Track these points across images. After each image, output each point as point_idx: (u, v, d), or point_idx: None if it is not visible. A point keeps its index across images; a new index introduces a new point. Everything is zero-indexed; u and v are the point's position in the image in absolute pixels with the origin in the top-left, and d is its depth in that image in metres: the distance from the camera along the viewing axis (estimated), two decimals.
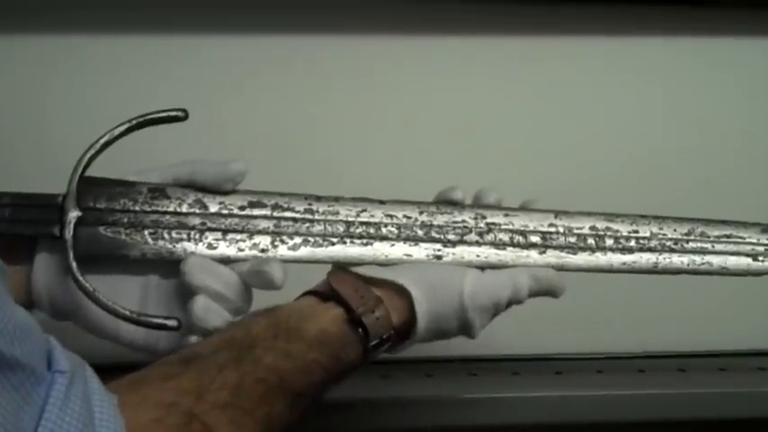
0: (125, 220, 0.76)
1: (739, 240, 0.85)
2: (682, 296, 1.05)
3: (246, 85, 1.01)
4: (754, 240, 0.85)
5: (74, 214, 0.74)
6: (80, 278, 0.72)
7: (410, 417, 0.95)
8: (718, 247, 0.84)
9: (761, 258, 0.85)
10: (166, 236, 0.76)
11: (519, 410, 0.97)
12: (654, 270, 0.83)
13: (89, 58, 0.99)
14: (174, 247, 0.76)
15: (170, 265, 0.76)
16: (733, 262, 0.85)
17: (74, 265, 0.72)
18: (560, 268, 0.81)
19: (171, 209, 0.77)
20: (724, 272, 0.84)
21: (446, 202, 0.82)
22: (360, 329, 0.72)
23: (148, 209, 0.76)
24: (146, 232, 0.76)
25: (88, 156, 0.75)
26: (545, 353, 1.08)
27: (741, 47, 1.08)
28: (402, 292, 0.75)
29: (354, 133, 1.03)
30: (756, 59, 1.08)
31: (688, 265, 0.84)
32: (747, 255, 0.85)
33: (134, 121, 0.76)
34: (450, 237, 0.81)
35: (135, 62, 0.99)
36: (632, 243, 0.83)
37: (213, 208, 0.78)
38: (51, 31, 0.97)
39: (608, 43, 1.07)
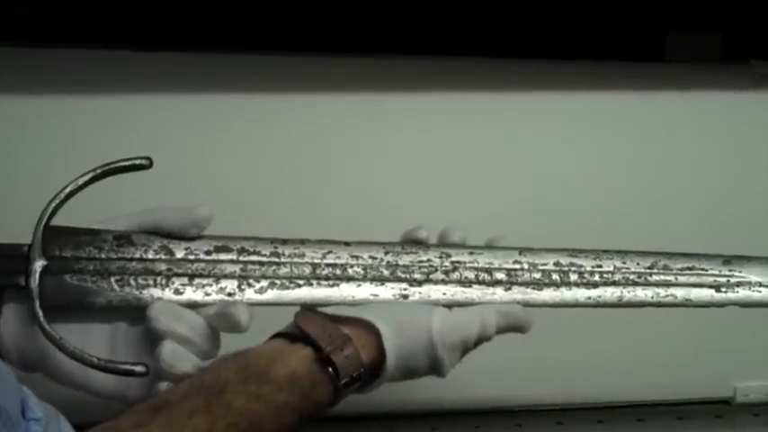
0: (91, 267, 0.76)
1: (702, 272, 0.86)
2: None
3: (212, 136, 1.02)
4: (717, 272, 0.86)
5: (39, 263, 0.74)
6: (46, 327, 0.72)
7: None
8: (682, 279, 0.85)
9: (723, 289, 0.85)
10: (133, 282, 0.76)
11: None
12: (619, 303, 0.84)
13: (52, 113, 1.00)
14: (141, 293, 0.76)
15: (137, 312, 0.76)
16: (696, 294, 0.85)
17: (40, 313, 0.72)
18: (526, 304, 0.81)
19: (137, 255, 0.77)
20: (688, 303, 0.85)
21: (411, 242, 0.83)
22: (329, 368, 0.72)
23: (114, 256, 0.76)
24: (112, 279, 0.76)
25: (53, 205, 0.75)
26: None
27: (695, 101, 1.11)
28: (370, 329, 0.75)
29: (319, 178, 1.04)
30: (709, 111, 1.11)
31: (652, 297, 0.84)
32: (710, 286, 0.85)
33: (98, 170, 0.77)
34: (417, 276, 0.81)
35: (99, 116, 1.00)
36: (596, 277, 0.84)
37: (179, 253, 0.78)
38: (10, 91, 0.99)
39: (569, 97, 1.09)
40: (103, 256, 0.76)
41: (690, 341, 1.08)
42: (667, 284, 0.85)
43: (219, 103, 1.02)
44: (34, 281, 0.73)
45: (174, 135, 1.01)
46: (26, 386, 0.58)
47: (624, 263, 0.85)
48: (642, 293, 0.84)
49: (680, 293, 0.85)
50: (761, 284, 0.86)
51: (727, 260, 0.87)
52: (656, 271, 0.85)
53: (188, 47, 1.00)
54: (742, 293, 0.86)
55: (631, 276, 0.85)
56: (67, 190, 0.76)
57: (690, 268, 0.86)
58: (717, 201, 1.10)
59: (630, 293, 0.84)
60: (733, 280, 0.86)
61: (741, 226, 1.09)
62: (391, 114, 1.05)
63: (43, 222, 0.75)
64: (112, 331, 0.77)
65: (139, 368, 0.73)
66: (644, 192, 1.09)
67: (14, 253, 0.74)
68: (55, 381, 0.76)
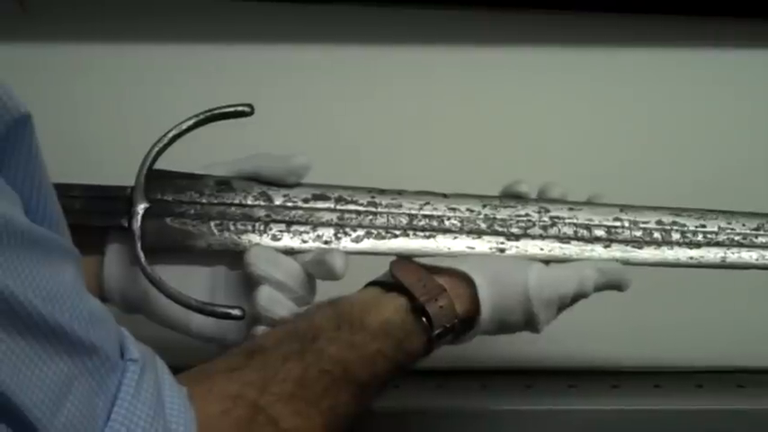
0: (191, 211, 0.77)
1: None
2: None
3: (312, 85, 1.02)
4: None
5: (141, 206, 0.75)
6: (147, 268, 0.73)
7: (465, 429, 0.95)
8: None
9: None
10: (232, 227, 0.77)
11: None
12: (722, 265, 0.82)
13: (160, 60, 1.02)
14: (240, 238, 0.77)
15: (236, 257, 0.77)
16: None
17: (141, 255, 0.74)
18: (626, 262, 0.80)
19: (236, 201, 0.78)
20: None
21: (511, 196, 0.82)
22: (423, 319, 0.72)
23: (214, 201, 0.78)
24: (212, 224, 0.77)
25: (156, 149, 0.76)
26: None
27: None
28: (466, 281, 0.74)
29: (419, 129, 1.03)
30: None
31: (757, 259, 0.82)
32: None
33: (201, 116, 0.78)
34: (514, 230, 0.80)
35: (204, 63, 1.02)
36: (699, 237, 0.82)
37: (278, 200, 0.79)
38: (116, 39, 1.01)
39: (679, 53, 1.06)
40: (204, 200, 0.77)
41: None
42: None
43: (320, 54, 1.03)
44: (136, 222, 0.74)
45: (275, 84, 1.02)
46: (125, 327, 0.59)
47: (729, 223, 0.83)
48: (747, 255, 0.82)
49: None
50: None
51: None
52: (762, 233, 0.83)
53: None
54: None
55: (736, 237, 0.83)
56: (171, 134, 0.77)
57: None
58: None
59: (735, 255, 0.82)
60: None
61: None
62: (495, 68, 1.04)
63: (146, 165, 0.76)
64: (212, 275, 0.78)
65: (236, 311, 0.74)
66: (753, 150, 1.06)
67: (118, 195, 0.76)
68: (155, 322, 0.78)
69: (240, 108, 0.78)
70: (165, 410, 0.56)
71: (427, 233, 0.79)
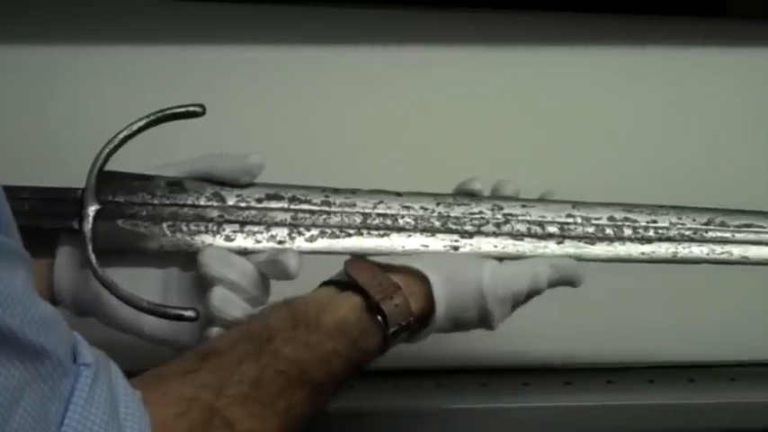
0: (143, 213, 0.76)
1: (760, 230, 0.84)
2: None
3: (264, 85, 1.02)
4: None
5: (93, 207, 0.74)
6: (99, 270, 0.72)
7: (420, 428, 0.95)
8: (739, 236, 0.84)
9: None
10: (184, 228, 0.77)
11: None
12: (673, 259, 0.83)
13: (110, 61, 1.01)
14: (192, 239, 0.77)
15: (189, 258, 0.76)
16: (754, 251, 0.84)
17: (93, 257, 0.73)
18: (579, 258, 0.81)
19: (189, 201, 0.77)
20: (745, 261, 0.84)
21: (464, 194, 0.82)
22: (379, 317, 0.72)
23: (167, 202, 0.77)
24: (164, 225, 0.76)
25: (107, 150, 0.75)
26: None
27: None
28: (420, 279, 0.74)
29: (372, 128, 1.04)
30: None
31: (708, 254, 0.83)
32: None
33: (152, 116, 0.77)
34: (468, 228, 0.81)
35: (155, 64, 1.01)
36: (651, 233, 0.83)
37: (231, 200, 0.78)
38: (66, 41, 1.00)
39: (628, 51, 1.07)
40: (156, 201, 0.77)
41: (745, 301, 1.07)
42: (724, 241, 0.84)
43: (273, 54, 1.02)
44: (87, 224, 0.73)
45: (227, 84, 1.01)
46: (78, 332, 0.58)
47: (680, 219, 0.84)
48: (697, 250, 0.83)
49: (737, 251, 0.84)
50: None
51: None
52: (712, 227, 0.84)
53: None
54: None
55: (687, 232, 0.83)
56: (122, 135, 0.76)
57: (747, 225, 0.84)
58: None
59: (685, 250, 0.83)
60: None
61: None
62: (448, 67, 1.04)
63: (97, 167, 0.75)
64: (164, 277, 0.78)
65: (190, 313, 0.73)
66: (702, 148, 1.07)
67: (68, 197, 0.75)
68: (108, 325, 0.77)
69: (192, 108, 0.78)
70: (119, 415, 0.55)
71: (381, 232, 0.79)
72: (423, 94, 1.04)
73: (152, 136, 0.77)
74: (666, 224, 0.83)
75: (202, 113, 0.78)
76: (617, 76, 1.07)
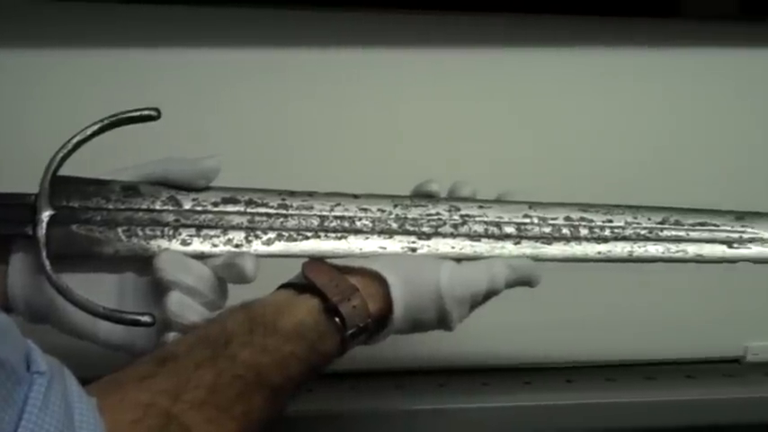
0: (98, 218, 0.76)
1: (714, 228, 0.85)
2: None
3: (221, 88, 1.02)
4: (729, 228, 0.85)
5: (46, 213, 0.73)
6: (53, 276, 0.72)
7: (380, 430, 0.95)
8: (693, 234, 0.85)
9: (735, 245, 0.85)
10: (140, 233, 0.76)
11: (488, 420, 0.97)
12: (629, 258, 0.83)
13: (64, 65, 1.00)
14: (148, 244, 0.76)
15: (145, 263, 0.76)
16: (708, 250, 0.85)
17: (47, 263, 0.72)
18: (536, 258, 0.81)
19: (144, 206, 0.77)
20: (699, 259, 0.84)
21: (421, 196, 0.83)
22: (336, 319, 0.72)
23: (122, 206, 0.76)
24: (119, 230, 0.76)
25: (61, 155, 0.75)
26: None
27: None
28: (378, 280, 0.74)
29: (329, 131, 1.03)
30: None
31: (663, 253, 0.84)
32: (722, 242, 0.85)
33: (106, 121, 0.76)
34: (425, 229, 0.81)
35: (109, 68, 1.00)
36: (607, 232, 0.84)
37: (187, 205, 0.78)
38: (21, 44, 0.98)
39: (584, 52, 1.08)
40: (111, 206, 0.76)
41: (700, 301, 1.08)
42: (678, 240, 0.84)
43: (227, 56, 1.02)
44: (41, 230, 0.73)
45: (182, 87, 1.01)
46: (31, 339, 0.57)
47: (635, 218, 0.85)
48: (653, 249, 0.84)
49: (691, 249, 0.84)
50: None
51: (740, 216, 0.86)
52: (667, 226, 0.85)
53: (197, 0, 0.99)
54: (754, 249, 0.85)
55: (642, 231, 0.84)
56: (75, 140, 0.75)
57: (702, 224, 0.85)
58: (730, 157, 1.09)
59: (641, 248, 0.84)
60: (745, 236, 0.85)
61: (755, 182, 1.09)
62: (402, 69, 1.04)
63: (50, 172, 0.74)
64: (120, 282, 0.77)
65: (146, 318, 0.73)
66: (657, 148, 1.09)
67: (22, 202, 0.74)
68: (62, 331, 0.76)
69: (146, 112, 0.77)
70: (74, 423, 0.55)
71: (339, 234, 0.79)
72: (379, 96, 1.04)
73: (105, 140, 0.76)
74: (622, 223, 0.84)
75: (158, 117, 0.77)
76: (573, 76, 1.08)
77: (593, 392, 1.01)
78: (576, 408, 0.98)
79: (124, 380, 0.63)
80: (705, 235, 0.85)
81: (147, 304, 0.76)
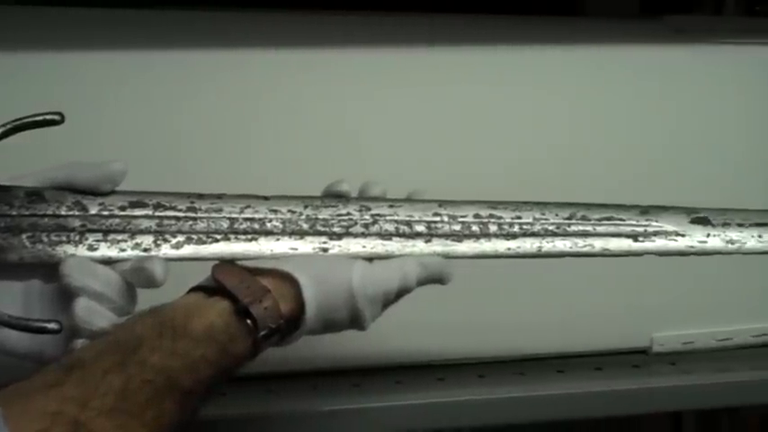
0: (2, 224, 0.74)
1: (619, 222, 0.87)
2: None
3: (125, 91, 1.00)
4: (634, 222, 0.87)
5: None
6: None
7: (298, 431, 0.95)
8: (600, 229, 0.86)
9: (640, 239, 0.87)
10: (45, 239, 0.75)
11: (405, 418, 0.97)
12: (538, 254, 0.85)
13: None
14: (54, 250, 0.75)
15: (51, 269, 0.74)
16: (614, 243, 0.86)
17: None
18: (446, 256, 0.82)
19: (49, 212, 0.75)
20: (606, 253, 0.86)
21: (331, 196, 0.83)
22: (248, 321, 0.71)
23: (26, 212, 0.75)
24: (23, 236, 0.74)
25: None
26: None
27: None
28: (289, 281, 0.74)
29: (237, 132, 1.02)
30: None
31: (571, 247, 0.85)
32: (628, 236, 0.87)
33: (8, 125, 0.75)
34: (336, 229, 0.81)
35: (8, 72, 0.97)
36: (516, 229, 0.85)
37: (93, 209, 0.76)
38: None
39: (486, 51, 1.09)
40: (14, 212, 0.75)
41: (606, 293, 1.10)
42: (585, 234, 0.86)
43: (129, 58, 1.00)
44: None
45: (85, 91, 0.98)
46: None
47: (543, 214, 0.86)
48: (561, 244, 0.85)
49: (598, 243, 0.86)
50: (677, 233, 0.88)
51: (644, 210, 0.88)
52: (574, 221, 0.86)
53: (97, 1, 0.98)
54: (659, 242, 0.87)
55: (550, 227, 0.85)
56: None
57: (608, 218, 0.87)
58: (633, 153, 1.11)
59: (549, 244, 0.85)
60: (650, 229, 0.87)
61: (657, 177, 1.10)
62: (310, 69, 1.04)
63: None
64: (26, 289, 0.75)
65: (53, 325, 0.71)
66: (561, 145, 1.10)
67: None
68: None
69: (49, 116, 0.76)
70: None
71: (249, 236, 0.79)
72: (288, 96, 1.03)
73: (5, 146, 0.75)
74: (530, 219, 0.85)
75: (61, 121, 0.76)
76: (471, 76, 1.08)
77: (506, 387, 1.02)
78: (488, 402, 0.99)
79: (30, 389, 0.62)
80: (611, 229, 0.86)
81: (54, 311, 0.74)
